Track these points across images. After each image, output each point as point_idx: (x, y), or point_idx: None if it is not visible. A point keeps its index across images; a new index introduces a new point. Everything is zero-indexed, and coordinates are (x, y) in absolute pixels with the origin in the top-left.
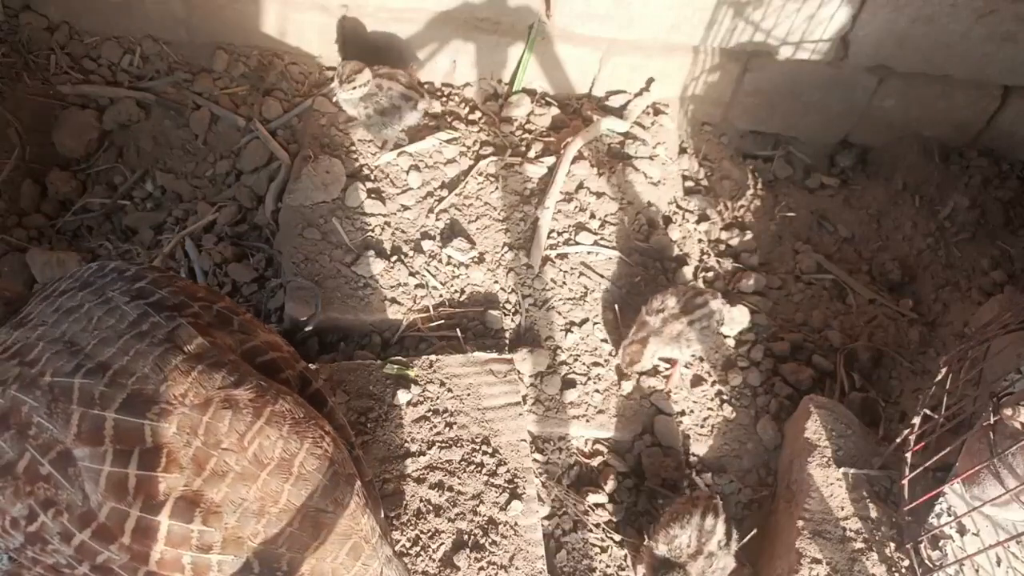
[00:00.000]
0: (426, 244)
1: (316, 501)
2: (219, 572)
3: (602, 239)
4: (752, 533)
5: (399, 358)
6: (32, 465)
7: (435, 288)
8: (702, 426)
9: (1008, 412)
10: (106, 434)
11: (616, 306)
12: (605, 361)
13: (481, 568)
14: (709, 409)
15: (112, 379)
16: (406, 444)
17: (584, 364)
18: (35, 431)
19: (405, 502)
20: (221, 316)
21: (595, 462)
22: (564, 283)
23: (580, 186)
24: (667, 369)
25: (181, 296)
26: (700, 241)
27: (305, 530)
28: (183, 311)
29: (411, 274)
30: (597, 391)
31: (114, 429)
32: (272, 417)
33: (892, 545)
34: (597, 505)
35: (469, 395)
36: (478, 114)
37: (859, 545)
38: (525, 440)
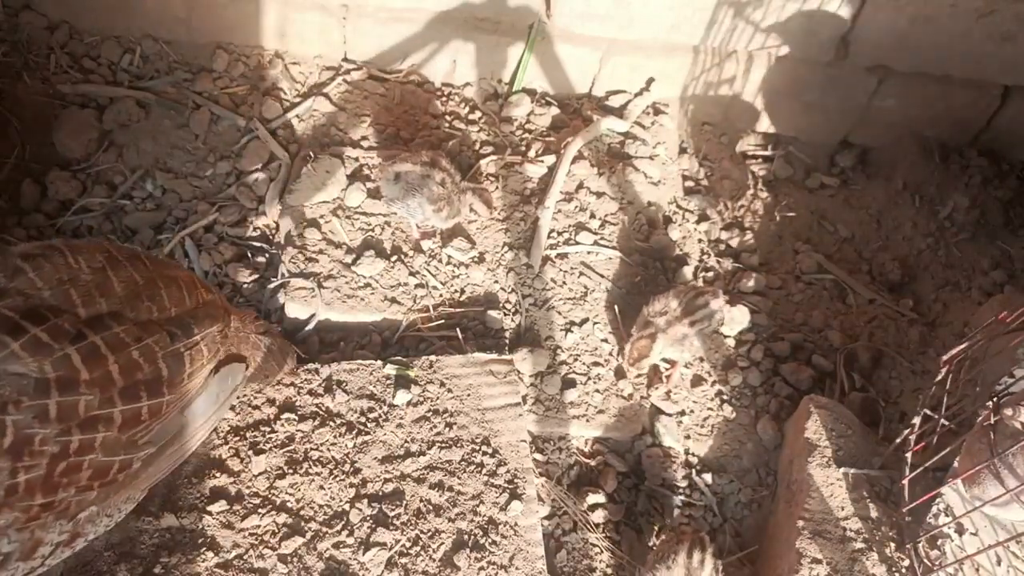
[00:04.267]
0: (426, 244)
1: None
2: None
3: (602, 239)
4: (752, 549)
5: (399, 358)
6: None
7: (435, 288)
8: (702, 426)
9: (1008, 412)
10: None
11: (616, 306)
12: (605, 361)
13: (481, 568)
14: (709, 409)
15: None
16: (406, 444)
17: (584, 364)
18: None
19: (405, 502)
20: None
21: (595, 462)
22: (564, 283)
23: (580, 186)
24: (667, 369)
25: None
26: (700, 241)
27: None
28: None
29: (411, 274)
30: (597, 391)
31: None
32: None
33: (892, 545)
34: (597, 505)
35: (469, 395)
36: (478, 114)
37: (859, 545)
38: (525, 440)
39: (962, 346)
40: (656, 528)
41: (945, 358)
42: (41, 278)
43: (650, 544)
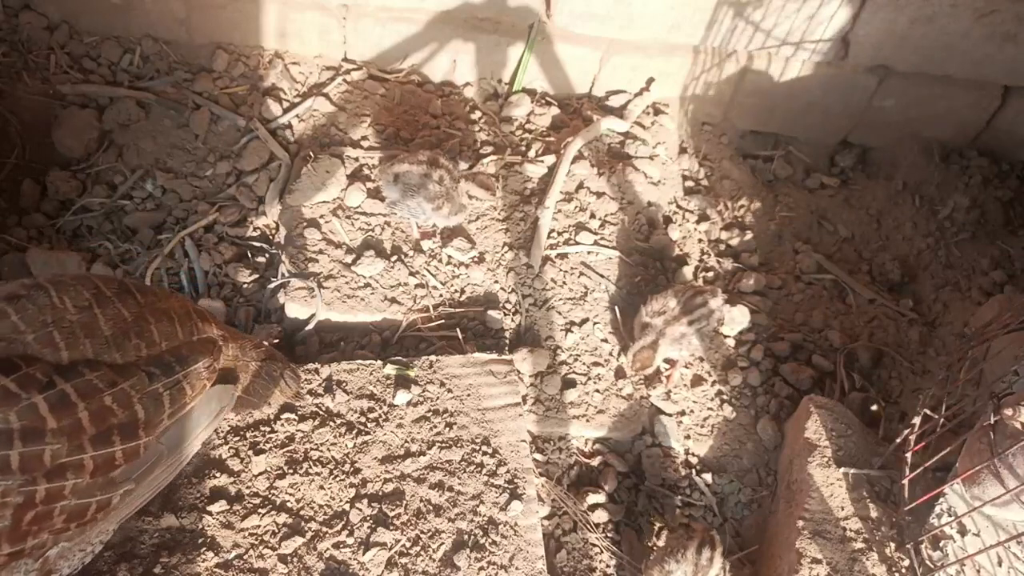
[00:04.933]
0: (426, 243)
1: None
2: None
3: (602, 239)
4: (752, 549)
5: (399, 358)
6: None
7: (435, 288)
8: (702, 426)
9: (1008, 412)
10: None
11: (616, 306)
12: (605, 361)
13: (481, 568)
14: (709, 409)
15: None
16: (406, 444)
17: (584, 364)
18: None
19: (405, 502)
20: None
21: (595, 462)
22: (564, 283)
23: (580, 186)
24: (667, 369)
25: None
26: (700, 241)
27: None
28: None
29: (411, 274)
30: (597, 391)
31: None
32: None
33: (892, 545)
34: (597, 505)
35: (469, 395)
36: (478, 114)
37: (859, 545)
38: (525, 441)
39: (962, 346)
40: (656, 528)
41: (945, 358)
42: (24, 321)
43: (650, 544)
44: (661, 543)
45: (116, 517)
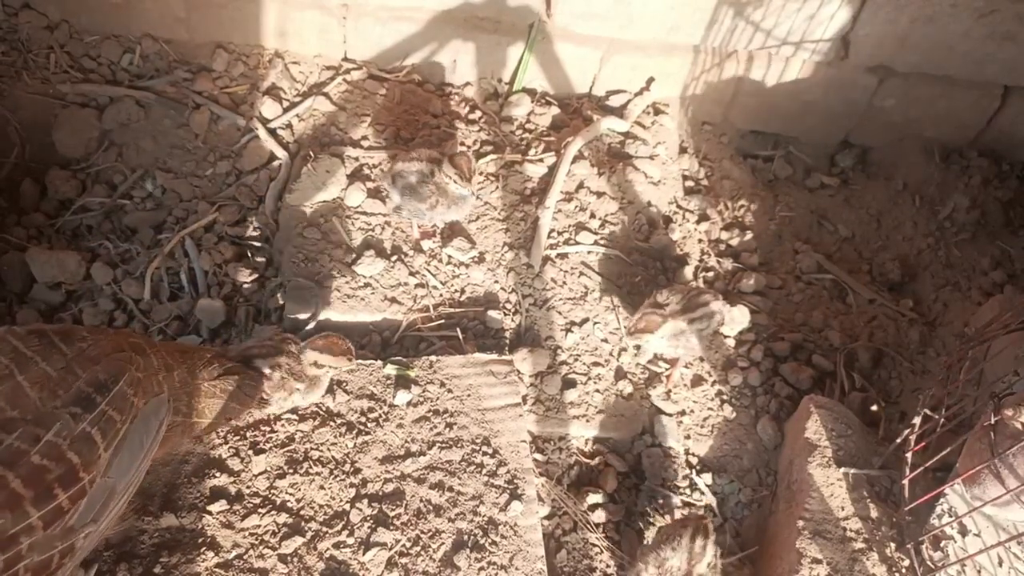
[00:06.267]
0: (426, 243)
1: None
2: None
3: (602, 239)
4: (752, 549)
5: (399, 358)
6: None
7: (435, 288)
8: (702, 426)
9: (1009, 412)
10: None
11: (617, 306)
12: (605, 361)
13: (481, 568)
14: (709, 409)
15: None
16: (406, 444)
17: (584, 364)
18: None
19: (405, 502)
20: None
21: (595, 462)
22: (564, 283)
23: (580, 186)
24: (667, 369)
25: None
26: (700, 241)
27: None
28: None
29: (411, 274)
30: (597, 391)
31: None
32: None
33: (892, 545)
34: (597, 505)
35: (469, 396)
36: (478, 113)
37: (859, 545)
38: (525, 441)
39: (962, 346)
40: (656, 527)
41: (945, 358)
42: None
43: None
44: (655, 532)
45: (83, 555)
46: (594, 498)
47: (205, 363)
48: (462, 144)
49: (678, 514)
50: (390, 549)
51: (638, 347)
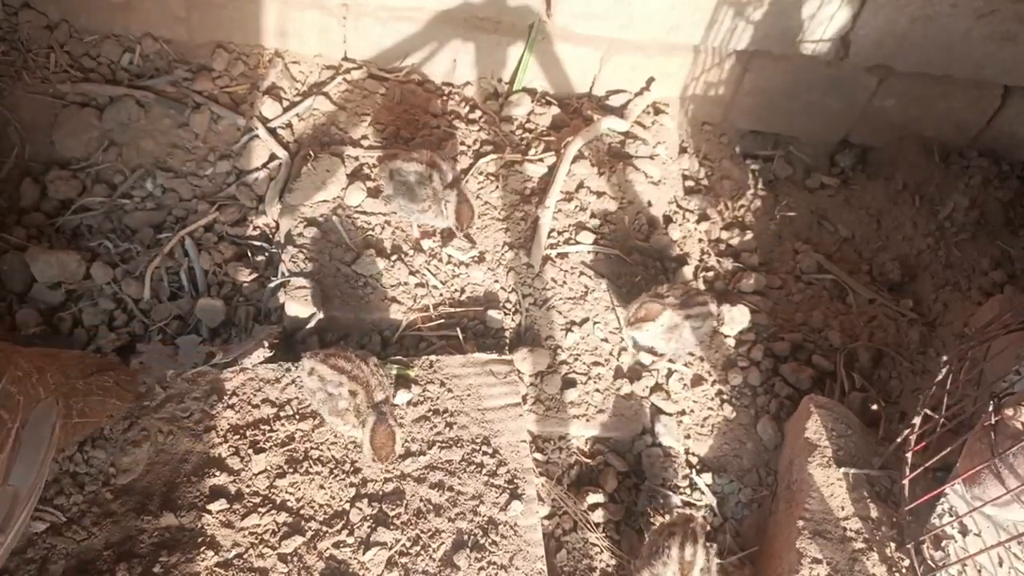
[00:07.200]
0: (426, 243)
1: None
2: None
3: (602, 238)
4: (753, 549)
5: (399, 358)
6: None
7: (435, 287)
8: (702, 426)
9: (1009, 412)
10: None
11: (617, 306)
12: (605, 361)
13: (481, 568)
14: (709, 409)
15: None
16: (406, 444)
17: (584, 364)
18: None
19: (405, 502)
20: None
21: (595, 462)
22: (564, 282)
23: (580, 185)
24: (653, 361)
25: None
26: (700, 241)
27: None
28: None
29: (411, 273)
30: (597, 391)
31: None
32: None
33: (893, 545)
34: (597, 505)
35: (469, 395)
36: (478, 113)
37: (859, 545)
38: (525, 441)
39: (962, 346)
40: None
41: (945, 358)
42: None
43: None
44: (644, 544)
45: None
46: (594, 498)
47: (75, 362)
48: (462, 145)
49: (677, 514)
50: (390, 548)
51: (635, 340)
